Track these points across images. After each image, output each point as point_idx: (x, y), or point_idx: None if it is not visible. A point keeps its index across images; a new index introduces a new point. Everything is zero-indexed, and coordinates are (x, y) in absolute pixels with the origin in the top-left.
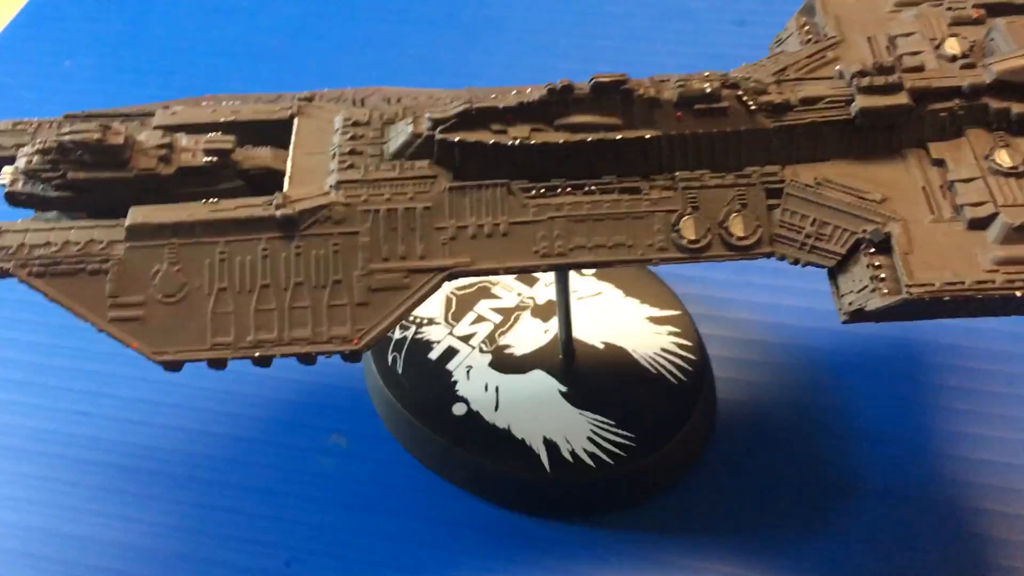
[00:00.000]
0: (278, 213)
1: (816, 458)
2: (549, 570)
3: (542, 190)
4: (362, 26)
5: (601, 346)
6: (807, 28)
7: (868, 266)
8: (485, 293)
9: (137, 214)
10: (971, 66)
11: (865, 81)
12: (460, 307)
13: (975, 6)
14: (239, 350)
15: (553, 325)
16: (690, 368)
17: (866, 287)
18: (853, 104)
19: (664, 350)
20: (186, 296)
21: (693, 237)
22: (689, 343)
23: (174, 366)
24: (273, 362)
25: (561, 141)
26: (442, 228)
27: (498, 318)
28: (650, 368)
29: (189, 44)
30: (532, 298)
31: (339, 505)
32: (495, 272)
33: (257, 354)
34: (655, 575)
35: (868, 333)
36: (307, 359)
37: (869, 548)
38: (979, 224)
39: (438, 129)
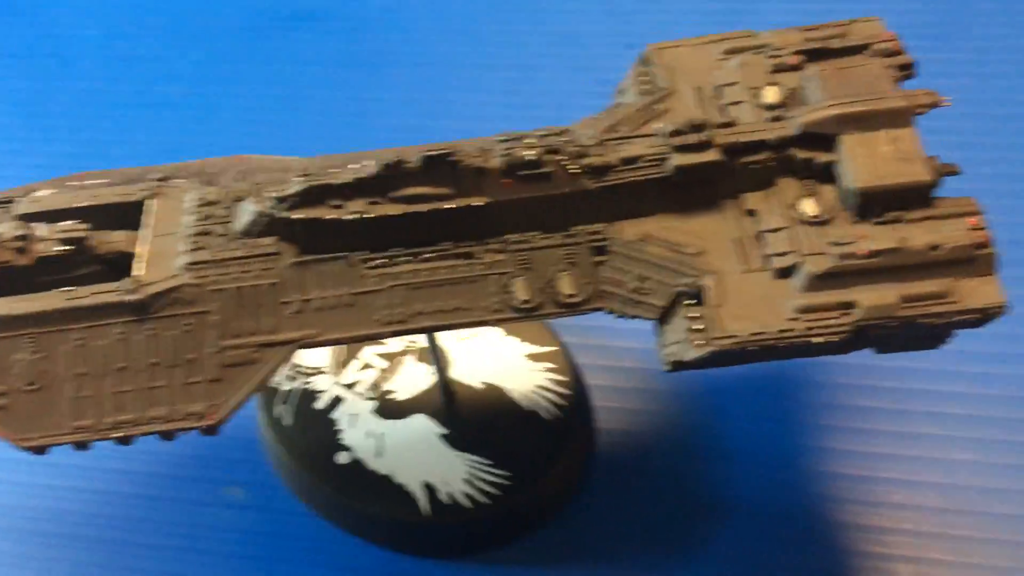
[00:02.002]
0: (129, 298)
1: (692, 480)
2: None
3: (382, 260)
4: (264, 68)
5: (481, 386)
6: (644, 78)
7: (686, 318)
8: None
9: None
10: (780, 118)
11: (678, 140)
12: (347, 355)
13: (795, 52)
14: (99, 432)
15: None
16: (564, 403)
17: (683, 339)
18: (669, 162)
19: (540, 386)
20: (47, 383)
21: (525, 298)
22: (565, 378)
23: (40, 451)
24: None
25: (397, 213)
26: (288, 302)
27: (384, 364)
28: (525, 406)
29: (95, 97)
30: (415, 341)
31: (237, 557)
32: (342, 342)
33: (117, 435)
34: None
35: None
36: (166, 436)
37: (741, 568)
38: (785, 273)
39: (280, 207)
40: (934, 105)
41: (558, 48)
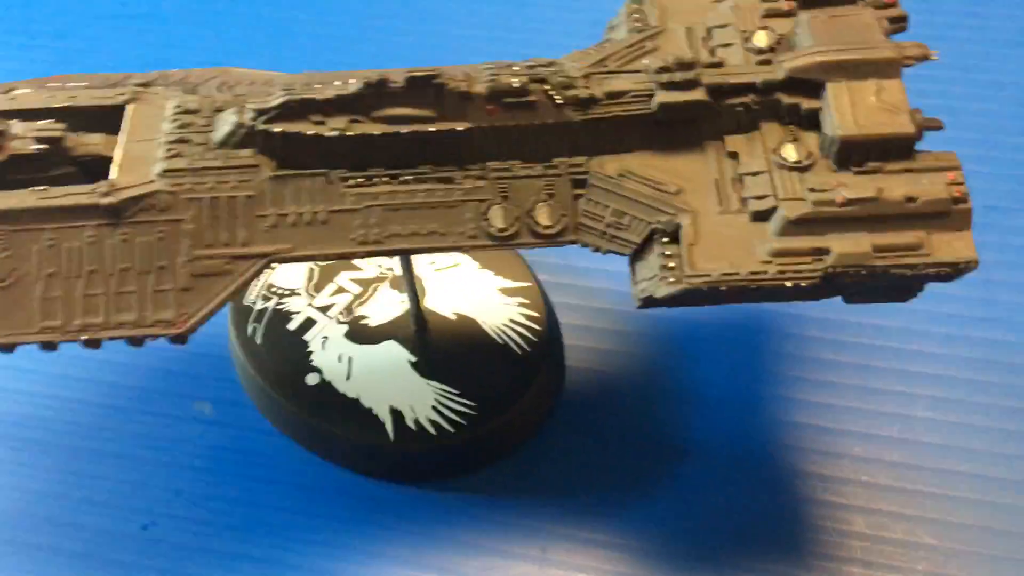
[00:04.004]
0: (103, 201)
1: (656, 422)
2: (393, 531)
3: (360, 179)
4: None
5: (453, 317)
6: (636, 16)
7: (660, 255)
8: (346, 264)
9: None
10: (769, 61)
11: (665, 77)
12: (322, 278)
13: None
14: (67, 334)
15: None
16: (535, 338)
17: (656, 275)
18: (654, 99)
19: (512, 320)
20: (16, 281)
21: (501, 226)
22: (537, 314)
23: (6, 349)
24: (105, 345)
25: (378, 133)
26: (264, 216)
27: (357, 289)
28: (497, 338)
29: (82, 6)
30: (390, 269)
31: (199, 471)
32: (314, 259)
33: (84, 337)
34: (490, 536)
35: None
36: (134, 342)
37: (697, 508)
38: (761, 216)
39: (260, 120)
40: (923, 58)
41: None
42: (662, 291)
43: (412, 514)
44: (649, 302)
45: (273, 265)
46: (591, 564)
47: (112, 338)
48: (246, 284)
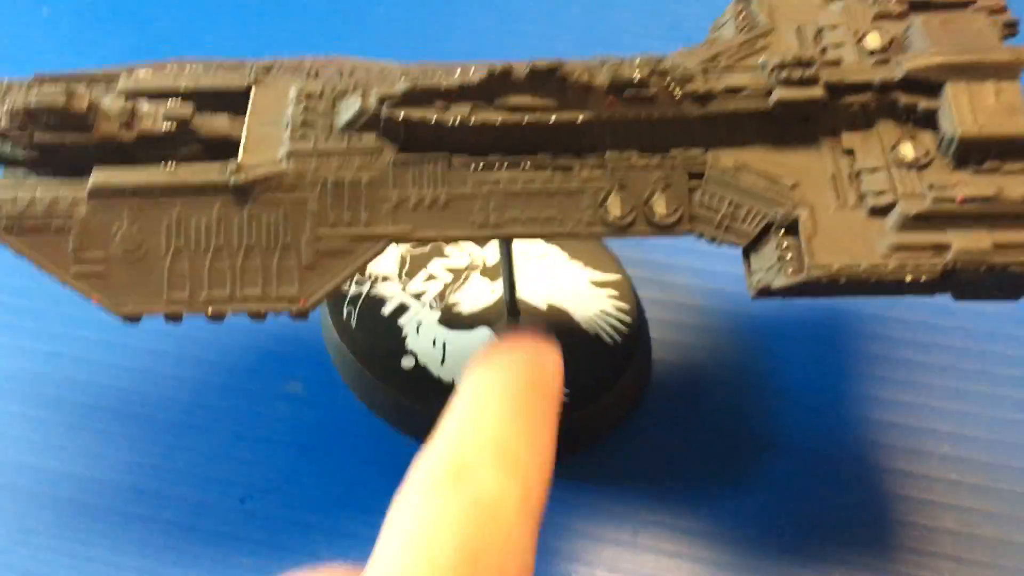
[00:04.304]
0: (232, 180)
1: (743, 416)
2: None
3: (480, 165)
4: None
5: (544, 307)
6: (743, 15)
7: (777, 247)
8: (438, 253)
9: (99, 176)
10: (885, 61)
11: (784, 74)
12: (414, 265)
13: (898, 1)
14: (194, 306)
15: (500, 286)
16: (626, 330)
17: (773, 266)
18: (772, 95)
19: (603, 312)
20: (145, 254)
21: (619, 214)
22: (627, 306)
23: (133, 319)
24: (227, 318)
25: (499, 121)
26: (386, 198)
27: (449, 277)
28: (588, 329)
29: None
30: (483, 259)
31: (293, 448)
32: (433, 240)
33: (210, 310)
34: (581, 520)
35: (799, 301)
36: (257, 316)
37: (783, 500)
38: (879, 212)
39: (384, 105)
40: None
41: None
42: (780, 281)
43: None
44: (765, 292)
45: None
46: (681, 550)
47: (236, 311)
48: (366, 263)
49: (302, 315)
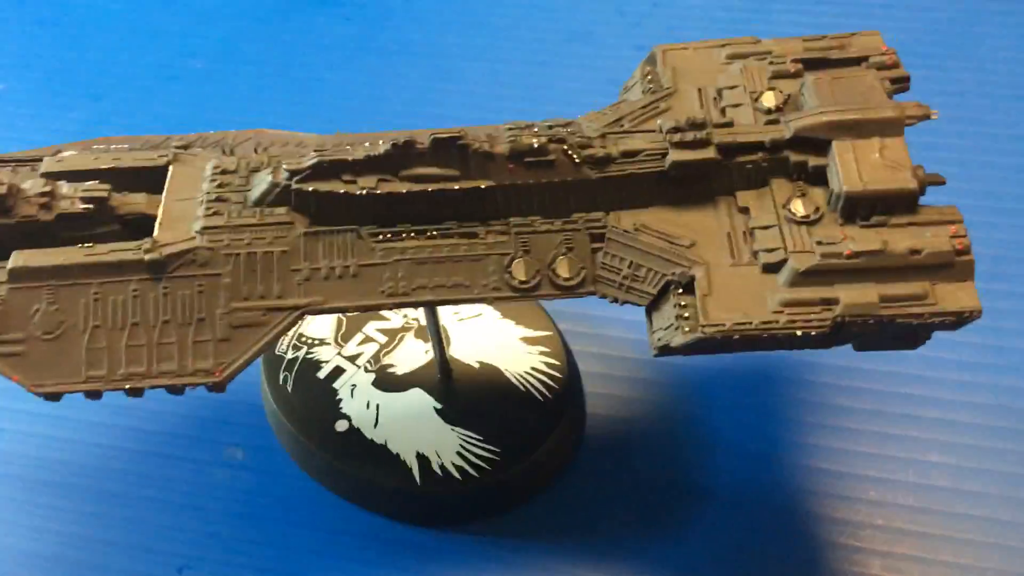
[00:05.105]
0: (147, 257)
1: (676, 467)
2: (421, 573)
3: (388, 235)
4: (283, 49)
5: (476, 365)
6: (649, 77)
7: (675, 306)
8: (373, 314)
9: (18, 258)
10: (776, 121)
11: (677, 136)
12: (349, 328)
13: (793, 60)
14: (111, 383)
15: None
16: (556, 386)
17: (672, 325)
18: (667, 157)
19: (534, 368)
20: (63, 333)
21: (524, 278)
22: (557, 362)
23: (53, 397)
24: (145, 393)
25: (405, 191)
26: (297, 270)
27: (384, 339)
28: (520, 386)
29: (118, 68)
30: (416, 319)
31: (232, 515)
32: (345, 310)
33: (128, 386)
34: None
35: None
36: (175, 390)
37: (717, 551)
38: (772, 268)
39: (294, 179)
40: (924, 117)
41: (570, 46)
42: (678, 340)
43: (439, 557)
44: (666, 350)
45: (306, 316)
46: None
47: (154, 386)
48: (281, 334)
49: (219, 388)
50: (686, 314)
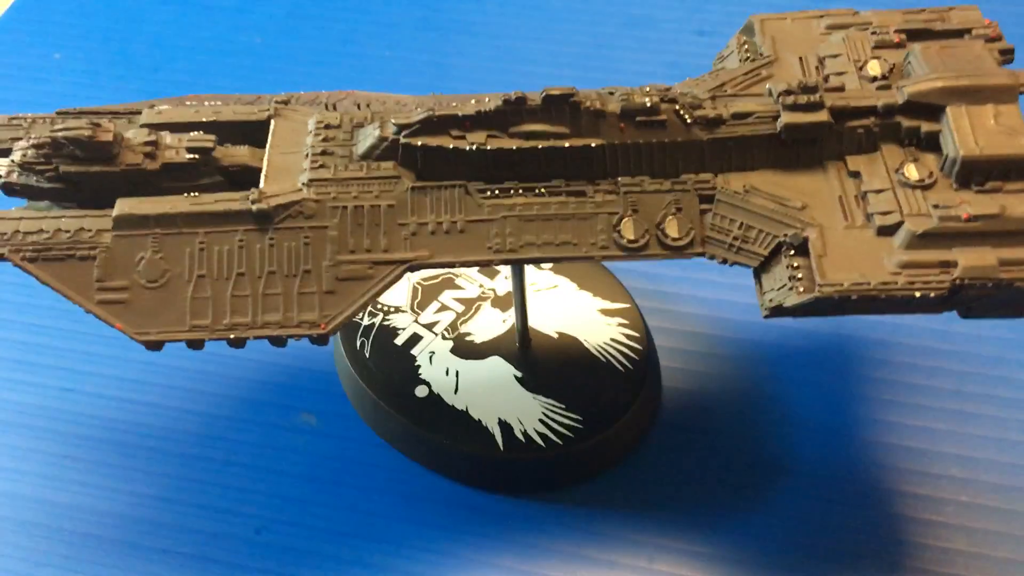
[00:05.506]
0: (254, 207)
1: (751, 441)
2: (500, 541)
3: (496, 191)
4: (342, 27)
5: (555, 335)
6: (746, 47)
7: (787, 267)
8: (449, 284)
9: (123, 205)
10: (887, 87)
11: (790, 99)
12: (425, 296)
13: (896, 31)
14: (215, 332)
15: (511, 315)
16: (636, 357)
17: (784, 285)
18: (779, 120)
19: (613, 340)
20: (167, 282)
21: (632, 237)
22: (637, 334)
23: (155, 346)
24: (248, 344)
25: (514, 147)
26: (404, 224)
27: (460, 307)
28: (600, 357)
29: (175, 40)
30: (493, 289)
31: (307, 479)
32: (452, 265)
33: (232, 336)
34: (597, 547)
35: (804, 329)
36: (278, 341)
37: (796, 524)
38: (887, 231)
39: (402, 133)
40: None
41: (632, 30)
42: (792, 300)
43: (517, 525)
44: (778, 311)
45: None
46: (697, 575)
47: (258, 337)
48: (386, 288)
49: (323, 340)
50: (799, 275)
